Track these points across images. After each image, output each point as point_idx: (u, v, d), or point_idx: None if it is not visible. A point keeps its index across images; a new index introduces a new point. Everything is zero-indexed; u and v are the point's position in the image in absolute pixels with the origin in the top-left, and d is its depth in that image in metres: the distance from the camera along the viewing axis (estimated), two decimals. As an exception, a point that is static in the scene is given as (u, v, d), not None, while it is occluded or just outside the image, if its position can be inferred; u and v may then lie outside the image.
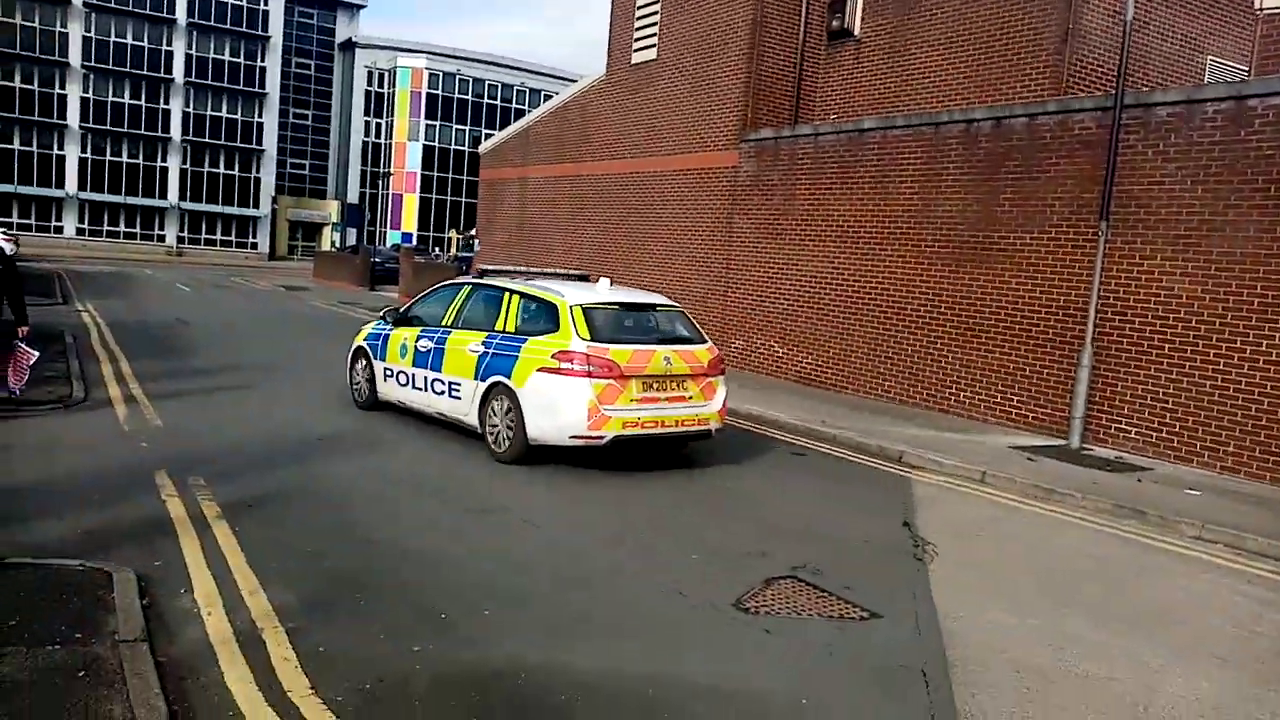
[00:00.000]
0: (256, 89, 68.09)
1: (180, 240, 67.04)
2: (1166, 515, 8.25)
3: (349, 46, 77.38)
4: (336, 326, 22.15)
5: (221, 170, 68.27)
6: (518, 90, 78.42)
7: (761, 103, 16.95)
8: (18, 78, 60.75)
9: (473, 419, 9.16)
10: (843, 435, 11.16)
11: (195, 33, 65.76)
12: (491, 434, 8.89)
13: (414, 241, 69.81)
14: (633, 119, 19.69)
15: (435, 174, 77.12)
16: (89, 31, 62.49)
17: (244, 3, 67.44)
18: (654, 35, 19.09)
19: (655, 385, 8.61)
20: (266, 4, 68.29)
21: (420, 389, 9.97)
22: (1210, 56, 15.03)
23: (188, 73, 65.52)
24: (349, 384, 11.44)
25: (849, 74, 17.02)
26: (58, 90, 62.07)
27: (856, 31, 16.80)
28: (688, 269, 18.09)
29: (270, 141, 69.63)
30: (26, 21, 60.68)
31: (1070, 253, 11.87)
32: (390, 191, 76.99)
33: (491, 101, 77.80)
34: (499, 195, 24.84)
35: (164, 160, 65.99)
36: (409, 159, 76.73)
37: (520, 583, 5.64)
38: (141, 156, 65.22)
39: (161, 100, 65.24)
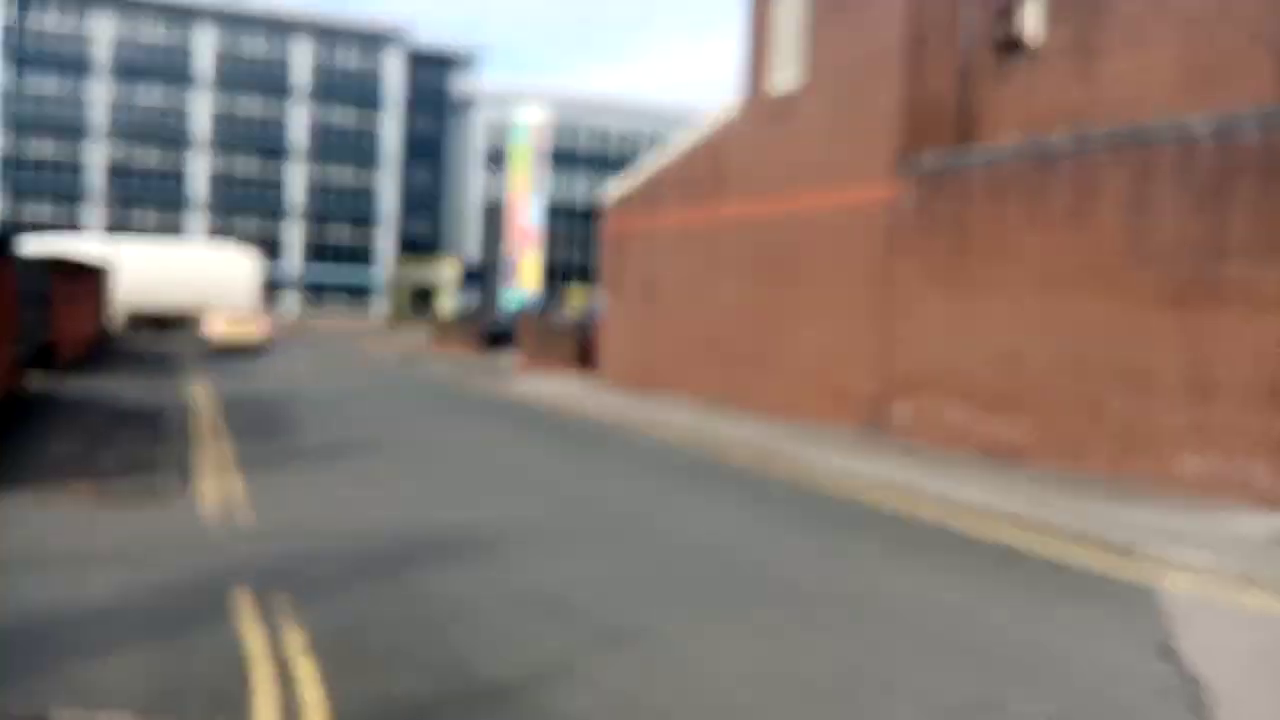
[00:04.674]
0: (375, 152, 70.76)
1: (303, 307, 69.70)
2: None
3: (466, 103, 79.70)
4: (447, 397, 21.78)
5: (343, 237, 70.98)
6: (639, 136, 78.98)
7: (922, 127, 15.68)
8: (146, 156, 64.96)
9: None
10: (1055, 522, 9.65)
11: (316, 101, 69.00)
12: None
13: (536, 298, 70.52)
14: (774, 154, 18.67)
15: (557, 228, 78.04)
16: (216, 106, 66.41)
17: (361, 68, 70.54)
18: (796, 62, 18.12)
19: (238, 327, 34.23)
20: (383, 67, 71.24)
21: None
22: None
23: (309, 140, 68.67)
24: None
25: (1023, 89, 15.61)
26: (185, 168, 66.02)
27: (1030, 40, 15.42)
28: (840, 320, 16.82)
29: (389, 204, 72.12)
30: (161, 103, 65.07)
31: (1333, 286, 10.13)
32: (510, 248, 78.32)
33: (614, 150, 78.54)
34: (625, 248, 24.18)
35: (286, 229, 69.07)
36: (529, 214, 77.97)
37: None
38: (264, 227, 68.48)
39: (283, 170, 68.52)
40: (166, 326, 44.30)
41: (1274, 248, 10.62)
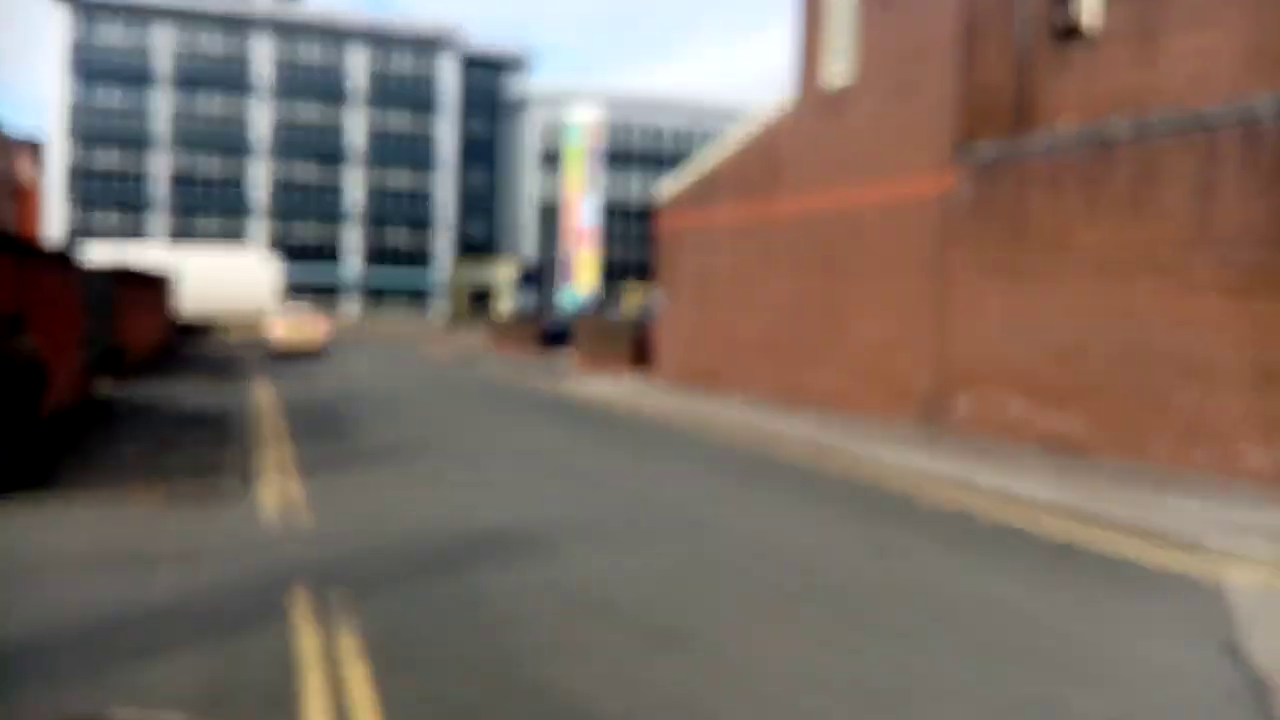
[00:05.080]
0: (431, 156, 71.60)
1: (363, 310, 70.78)
2: None
3: (519, 105, 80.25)
4: (504, 398, 21.96)
5: (401, 240, 71.92)
6: (692, 134, 78.83)
7: (978, 116, 15.44)
8: (208, 165, 66.52)
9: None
10: (1115, 515, 9.45)
11: (372, 106, 70.02)
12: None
13: (593, 297, 70.70)
14: (827, 148, 18.53)
15: (612, 227, 78.22)
16: (275, 114, 67.76)
17: (416, 73, 71.40)
18: (849, 55, 17.96)
19: (299, 330, 34.02)
20: (438, 71, 72.03)
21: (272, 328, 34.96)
22: None
23: (366, 145, 69.71)
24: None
25: (1081, 75, 15.29)
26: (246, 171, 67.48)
27: (1089, 25, 15.10)
28: (896, 314, 16.64)
29: (446, 207, 72.92)
30: (221, 111, 66.65)
31: None
32: (566, 248, 78.68)
33: (667, 148, 78.47)
34: (679, 245, 24.17)
35: (345, 234, 70.18)
36: (584, 214, 78.26)
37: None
38: (323, 232, 69.66)
39: (341, 175, 69.66)
40: (191, 331, 41.19)
41: (1347, 232, 10.28)
